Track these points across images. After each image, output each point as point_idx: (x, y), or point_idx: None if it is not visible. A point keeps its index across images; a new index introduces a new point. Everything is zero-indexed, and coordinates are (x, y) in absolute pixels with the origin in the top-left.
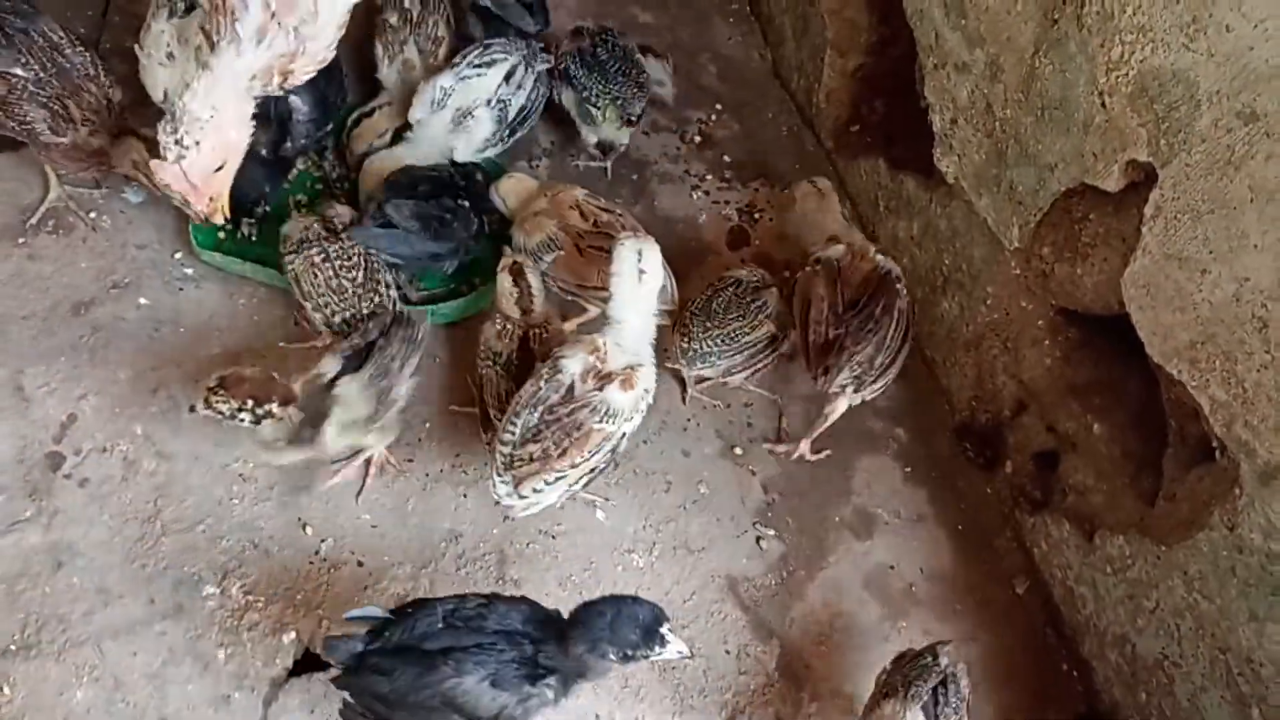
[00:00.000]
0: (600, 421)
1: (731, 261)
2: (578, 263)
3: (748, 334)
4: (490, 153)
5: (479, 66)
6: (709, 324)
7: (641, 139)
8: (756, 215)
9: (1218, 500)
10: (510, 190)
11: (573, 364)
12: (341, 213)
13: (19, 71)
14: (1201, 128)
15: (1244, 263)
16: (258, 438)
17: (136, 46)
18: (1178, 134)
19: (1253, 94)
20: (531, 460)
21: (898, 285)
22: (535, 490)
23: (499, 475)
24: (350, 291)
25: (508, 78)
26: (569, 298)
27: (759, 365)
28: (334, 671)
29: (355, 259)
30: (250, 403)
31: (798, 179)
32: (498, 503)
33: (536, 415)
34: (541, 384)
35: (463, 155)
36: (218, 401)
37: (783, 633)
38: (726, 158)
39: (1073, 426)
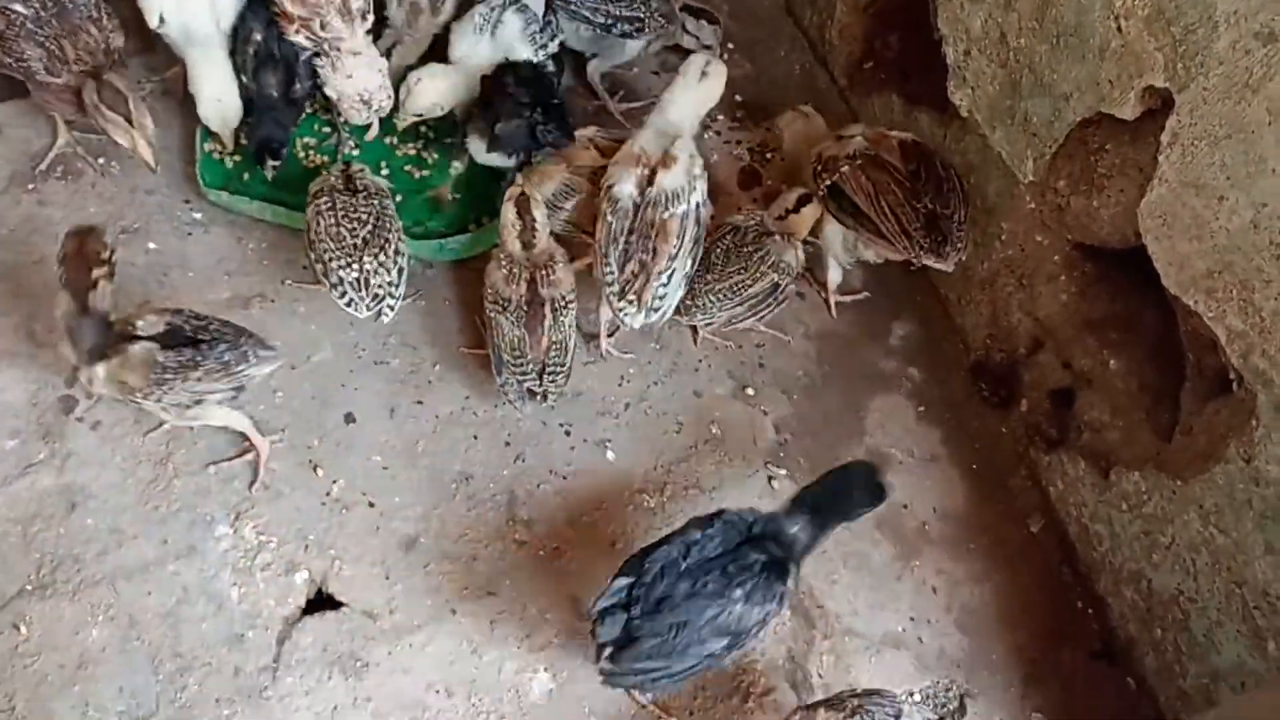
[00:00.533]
0: (667, 210)
1: (743, 202)
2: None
3: (750, 286)
4: (550, 46)
5: None
6: (709, 277)
7: (651, 79)
8: (768, 155)
9: (1234, 433)
10: None
11: (625, 187)
12: (367, 177)
13: (19, 8)
14: (1219, 50)
15: (1262, 188)
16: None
17: None
18: (1195, 57)
19: (1271, 14)
20: (636, 276)
21: (927, 145)
22: (658, 297)
23: (622, 306)
24: (349, 243)
25: None
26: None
27: (762, 313)
28: (604, 657)
29: (366, 218)
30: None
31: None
32: (640, 328)
33: (620, 245)
34: (610, 219)
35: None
36: None
37: None
38: (738, 97)
39: (1089, 363)
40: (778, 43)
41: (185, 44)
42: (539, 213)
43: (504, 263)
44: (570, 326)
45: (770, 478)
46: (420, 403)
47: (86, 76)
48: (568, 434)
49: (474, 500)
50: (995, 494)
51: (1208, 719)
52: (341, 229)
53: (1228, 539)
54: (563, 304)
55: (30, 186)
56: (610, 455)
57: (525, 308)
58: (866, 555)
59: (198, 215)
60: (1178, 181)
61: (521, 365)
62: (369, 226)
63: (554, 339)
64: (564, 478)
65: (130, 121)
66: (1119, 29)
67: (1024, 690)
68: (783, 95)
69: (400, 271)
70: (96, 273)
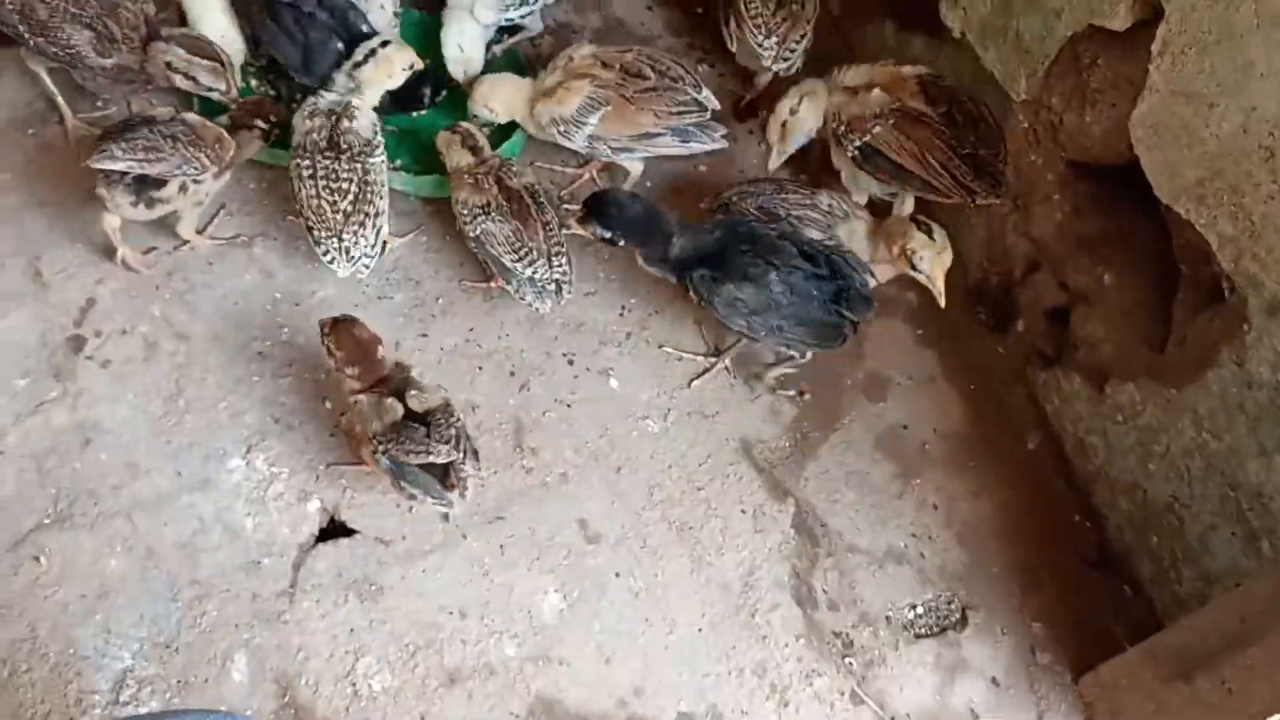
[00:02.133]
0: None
1: (739, 131)
2: (630, 112)
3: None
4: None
5: None
6: None
7: (645, 14)
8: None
9: (1226, 339)
10: (493, 94)
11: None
12: (358, 128)
13: None
14: None
15: (1250, 92)
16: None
17: None
18: None
19: None
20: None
21: (945, 82)
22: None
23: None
24: (330, 217)
25: None
26: (620, 156)
27: None
28: None
29: (348, 186)
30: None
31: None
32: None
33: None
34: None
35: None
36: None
37: (797, 492)
38: None
39: (1084, 280)
40: None
41: None
42: (469, 125)
43: (466, 179)
44: (550, 211)
45: (773, 403)
46: (425, 335)
47: (138, 50)
48: (571, 363)
49: (481, 429)
50: (993, 413)
51: (1200, 616)
52: (323, 201)
53: (1221, 443)
54: (536, 191)
55: (30, 131)
56: (614, 383)
57: (506, 201)
58: (867, 475)
59: None
60: (1168, 91)
61: (528, 258)
62: (350, 196)
63: (544, 220)
64: (568, 406)
65: (221, 63)
66: None
67: (1023, 601)
68: None
69: (378, 232)
70: (258, 121)
